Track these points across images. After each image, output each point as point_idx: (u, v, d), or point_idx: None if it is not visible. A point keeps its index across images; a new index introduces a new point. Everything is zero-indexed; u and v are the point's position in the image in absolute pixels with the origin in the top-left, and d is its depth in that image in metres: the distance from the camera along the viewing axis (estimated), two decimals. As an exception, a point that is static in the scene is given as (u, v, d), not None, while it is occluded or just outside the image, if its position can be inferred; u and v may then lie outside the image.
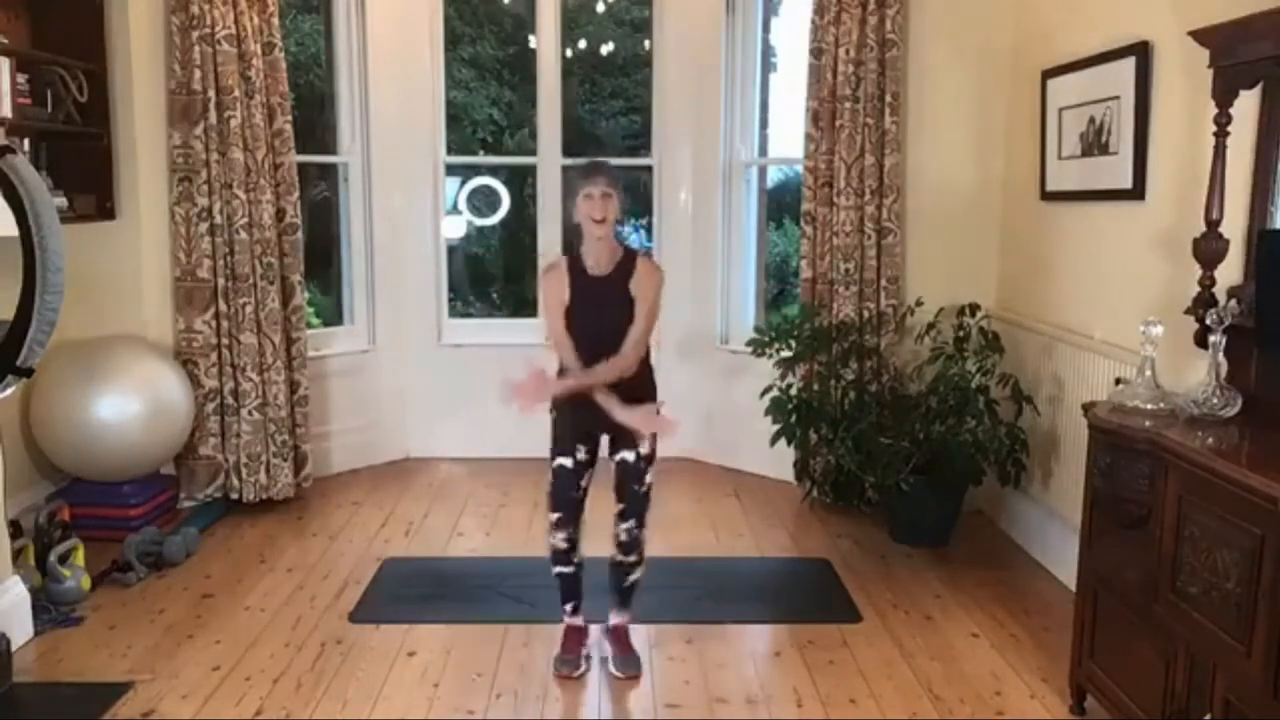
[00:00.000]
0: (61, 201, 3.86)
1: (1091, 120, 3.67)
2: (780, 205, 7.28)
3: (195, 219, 4.39)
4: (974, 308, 4.27)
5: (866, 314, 4.57)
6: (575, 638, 3.24)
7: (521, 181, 7.91)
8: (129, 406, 4.07)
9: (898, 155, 4.49)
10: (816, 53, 4.54)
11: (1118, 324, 3.45)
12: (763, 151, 5.48)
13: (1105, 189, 3.59)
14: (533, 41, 5.63)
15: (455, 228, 7.37)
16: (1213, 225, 2.72)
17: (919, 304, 4.50)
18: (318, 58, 6.08)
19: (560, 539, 3.11)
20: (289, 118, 4.54)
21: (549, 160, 5.50)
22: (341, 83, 5.19)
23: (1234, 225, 2.75)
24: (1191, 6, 2.91)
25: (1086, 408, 2.83)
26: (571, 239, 3.11)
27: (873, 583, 3.86)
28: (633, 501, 3.11)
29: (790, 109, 4.98)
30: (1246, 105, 2.70)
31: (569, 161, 5.45)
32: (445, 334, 5.55)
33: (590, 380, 2.96)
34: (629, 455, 3.09)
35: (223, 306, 4.46)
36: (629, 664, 3.16)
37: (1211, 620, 2.28)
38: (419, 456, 5.50)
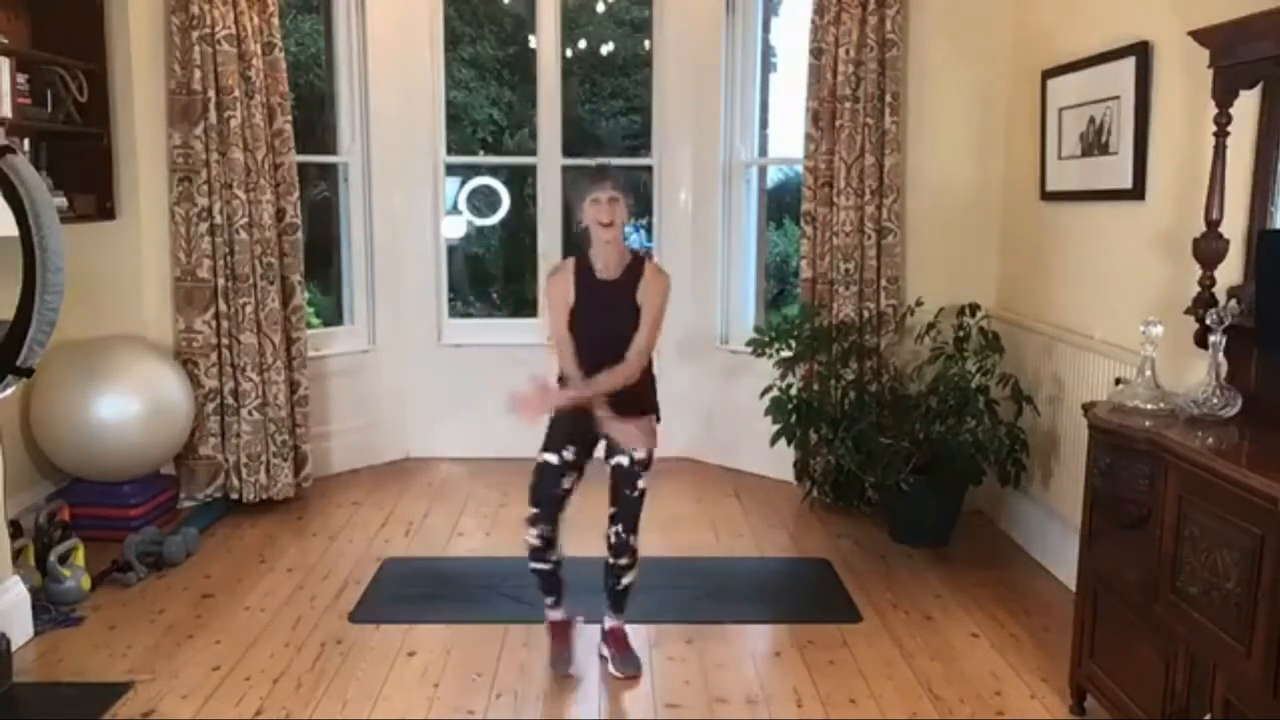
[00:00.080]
0: (61, 201, 3.86)
1: (1091, 120, 3.67)
2: (780, 205, 7.28)
3: (195, 219, 4.39)
4: (974, 308, 4.27)
5: (866, 314, 4.57)
6: (561, 633, 3.24)
7: (521, 181, 7.91)
8: (129, 406, 4.07)
9: (898, 155, 4.49)
10: (816, 53, 4.54)
11: (1118, 324, 3.45)
12: (763, 151, 5.48)
13: (1105, 189, 3.59)
14: (533, 41, 5.63)
15: (455, 228, 7.37)
16: (1213, 225, 2.72)
17: (919, 304, 4.50)
18: (318, 58, 6.08)
19: (534, 535, 3.10)
20: (289, 118, 4.54)
21: (549, 160, 5.50)
22: (341, 83, 5.19)
23: (1234, 225, 2.75)
24: (1191, 6, 2.91)
25: (1086, 408, 2.83)
26: (579, 242, 3.11)
27: (873, 583, 3.86)
28: (625, 505, 3.11)
29: (790, 109, 4.98)
30: (1246, 105, 2.70)
31: (569, 161, 5.46)
32: (445, 334, 5.55)
33: (593, 391, 2.96)
34: (624, 459, 3.09)
35: (223, 306, 4.46)
36: (628, 664, 3.16)
37: (1211, 620, 2.28)
38: (419, 456, 5.50)
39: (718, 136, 5.27)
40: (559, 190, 5.52)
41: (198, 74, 4.29)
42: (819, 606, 3.68)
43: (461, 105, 8.60)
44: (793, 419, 4.40)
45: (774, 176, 6.60)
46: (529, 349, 4.98)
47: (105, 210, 4.27)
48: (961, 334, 4.25)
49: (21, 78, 3.86)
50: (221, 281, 4.45)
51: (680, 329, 5.17)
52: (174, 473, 4.52)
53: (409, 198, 5.38)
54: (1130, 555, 2.62)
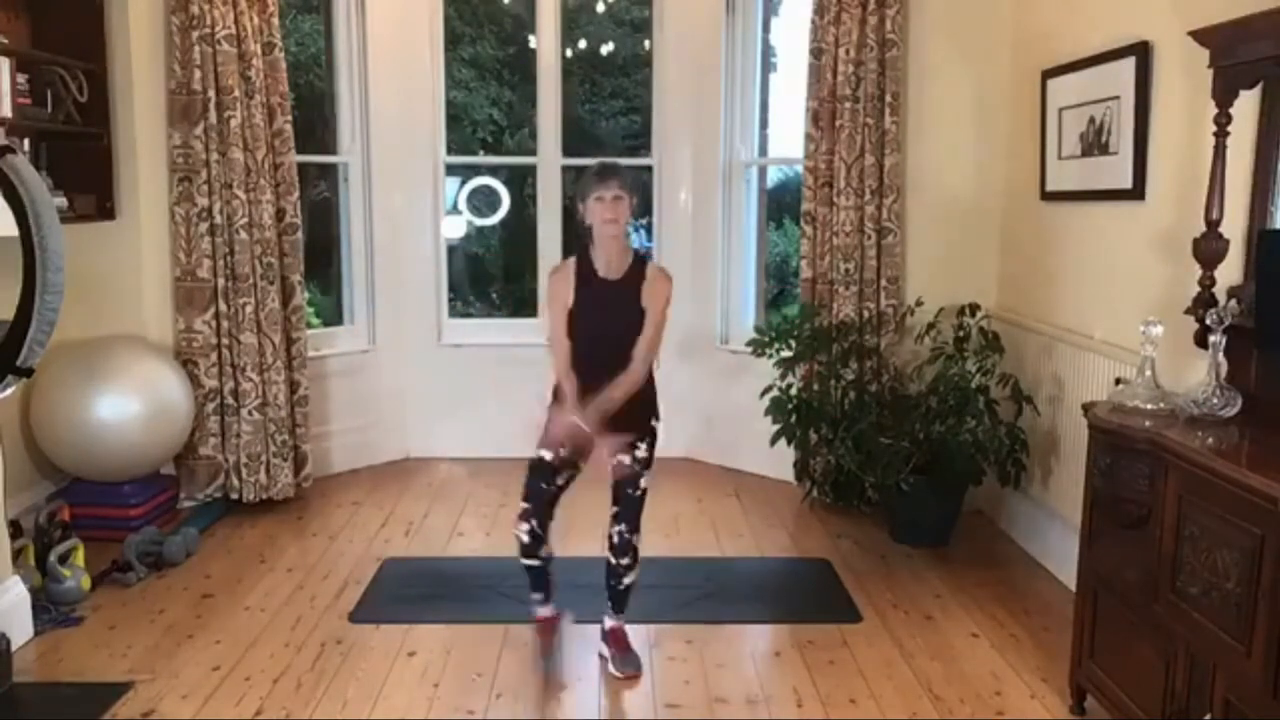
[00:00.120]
0: (61, 201, 3.85)
1: (1091, 120, 3.67)
2: (780, 205, 7.28)
3: (195, 219, 4.39)
4: (974, 308, 4.27)
5: (866, 314, 4.57)
6: (549, 630, 3.23)
7: (521, 181, 7.92)
8: (129, 406, 4.07)
9: (898, 155, 4.49)
10: (816, 53, 4.54)
11: (1118, 324, 3.45)
12: (763, 151, 5.48)
13: (1105, 189, 3.59)
14: (533, 41, 5.63)
15: (455, 228, 7.37)
16: (1213, 225, 2.72)
17: (919, 304, 4.50)
18: (318, 58, 6.08)
19: (524, 530, 3.10)
20: (289, 118, 4.54)
21: (549, 160, 5.50)
22: (341, 83, 5.19)
23: (1234, 225, 2.75)
24: (1191, 6, 2.91)
25: (1086, 408, 2.83)
26: (581, 240, 3.10)
27: (873, 583, 3.86)
28: (627, 505, 3.11)
29: (790, 109, 4.98)
30: (1246, 105, 2.70)
31: (569, 161, 5.46)
32: (445, 334, 5.55)
33: (609, 407, 2.94)
34: (625, 459, 3.09)
35: (223, 306, 4.46)
36: (628, 663, 3.16)
37: (1211, 620, 2.28)
38: (419, 456, 5.50)
39: (718, 136, 5.27)
40: (559, 190, 5.52)
41: (198, 74, 4.29)
42: (819, 606, 3.68)
43: (461, 105, 8.60)
44: (793, 419, 4.40)
45: (774, 176, 6.60)
46: (529, 349, 4.97)
47: (105, 210, 4.27)
48: (961, 334, 4.25)
49: (21, 78, 3.86)
50: (221, 281, 4.45)
51: (680, 329, 5.16)
52: (174, 473, 4.52)
53: (409, 198, 5.38)
54: (1130, 555, 2.62)
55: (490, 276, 9.25)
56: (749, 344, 4.62)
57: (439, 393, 5.44)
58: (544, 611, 3.25)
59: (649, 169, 5.53)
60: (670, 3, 5.32)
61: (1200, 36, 2.72)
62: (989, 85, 4.54)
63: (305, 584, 3.81)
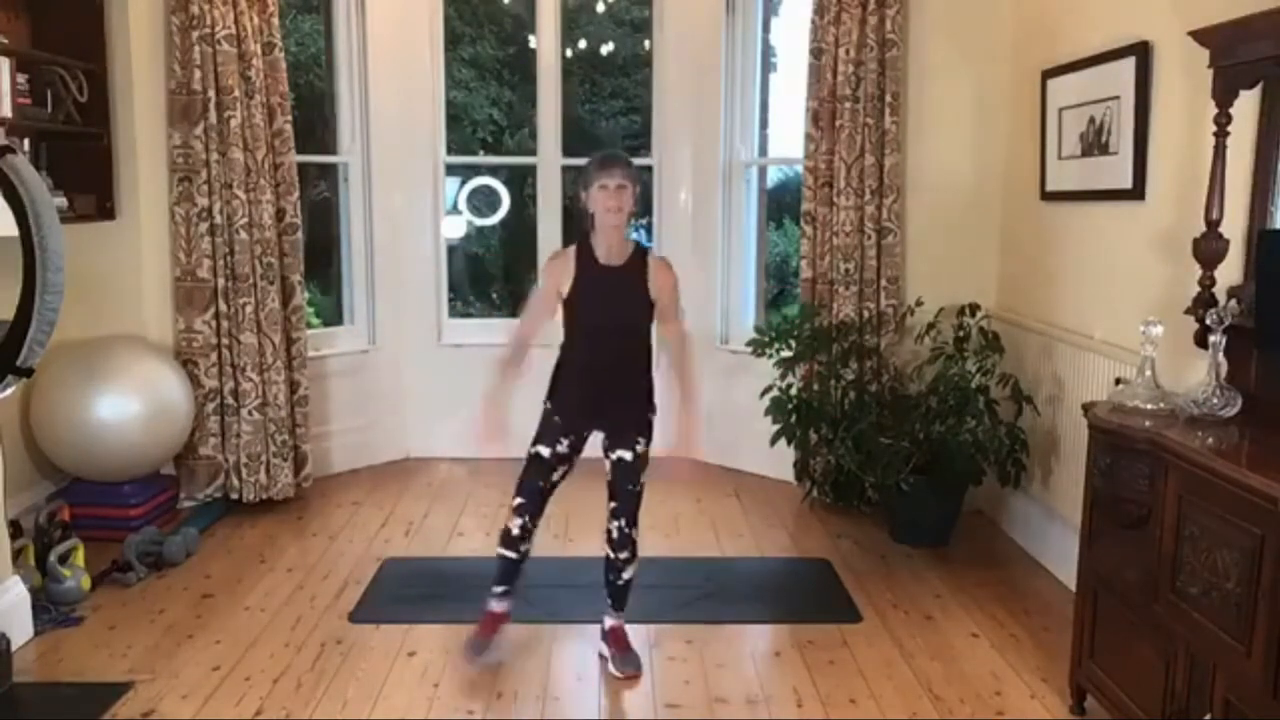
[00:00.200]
0: (61, 201, 3.85)
1: (1091, 120, 3.67)
2: (780, 205, 7.28)
3: (195, 219, 4.39)
4: (974, 308, 4.27)
5: (866, 314, 4.56)
6: (491, 623, 3.23)
7: (521, 181, 7.92)
8: (129, 406, 4.07)
9: (898, 155, 4.49)
10: (816, 53, 4.54)
11: (1118, 324, 3.45)
12: (763, 151, 5.48)
13: (1105, 189, 3.59)
14: (533, 41, 5.63)
15: (455, 228, 7.37)
16: (1213, 225, 2.72)
17: (919, 304, 4.50)
18: (318, 58, 6.08)
19: (518, 524, 3.12)
20: (289, 118, 4.54)
21: (549, 160, 5.50)
22: (341, 83, 5.19)
23: (1234, 225, 2.75)
24: (1191, 6, 2.91)
25: (1086, 408, 2.83)
26: (581, 228, 3.11)
27: (873, 583, 3.86)
28: (625, 500, 3.12)
29: (790, 109, 4.98)
30: (1246, 105, 2.70)
31: (569, 161, 5.45)
32: (445, 334, 5.55)
33: (696, 406, 3.11)
34: (625, 454, 3.10)
35: (223, 306, 4.46)
36: (628, 663, 3.16)
37: (1211, 620, 2.28)
38: (419, 456, 5.50)
39: (718, 136, 5.27)
40: (559, 190, 5.52)
41: (198, 74, 4.29)
42: (819, 606, 3.68)
43: (461, 105, 8.60)
44: (793, 419, 4.40)
45: (774, 176, 6.60)
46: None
47: (105, 210, 4.27)
48: (961, 334, 4.25)
49: (21, 78, 3.86)
50: (221, 281, 4.45)
51: (680, 329, 5.17)
52: (174, 473, 4.52)
53: (409, 198, 5.38)
54: (1130, 555, 2.62)
55: (490, 276, 9.25)
56: (749, 344, 4.62)
57: (439, 393, 5.43)
58: (499, 606, 3.24)
59: (649, 169, 5.53)
60: (670, 3, 5.32)
61: (1200, 36, 2.72)
62: (989, 85, 4.54)
63: (305, 584, 3.81)
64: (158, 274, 4.47)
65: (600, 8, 7.49)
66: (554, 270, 3.07)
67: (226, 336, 4.49)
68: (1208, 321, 2.62)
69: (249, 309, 4.46)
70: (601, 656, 3.24)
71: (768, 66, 5.42)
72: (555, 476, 3.13)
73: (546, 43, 5.42)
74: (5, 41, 3.79)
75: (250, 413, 4.51)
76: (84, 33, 4.16)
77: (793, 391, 4.46)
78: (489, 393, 3.10)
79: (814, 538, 4.36)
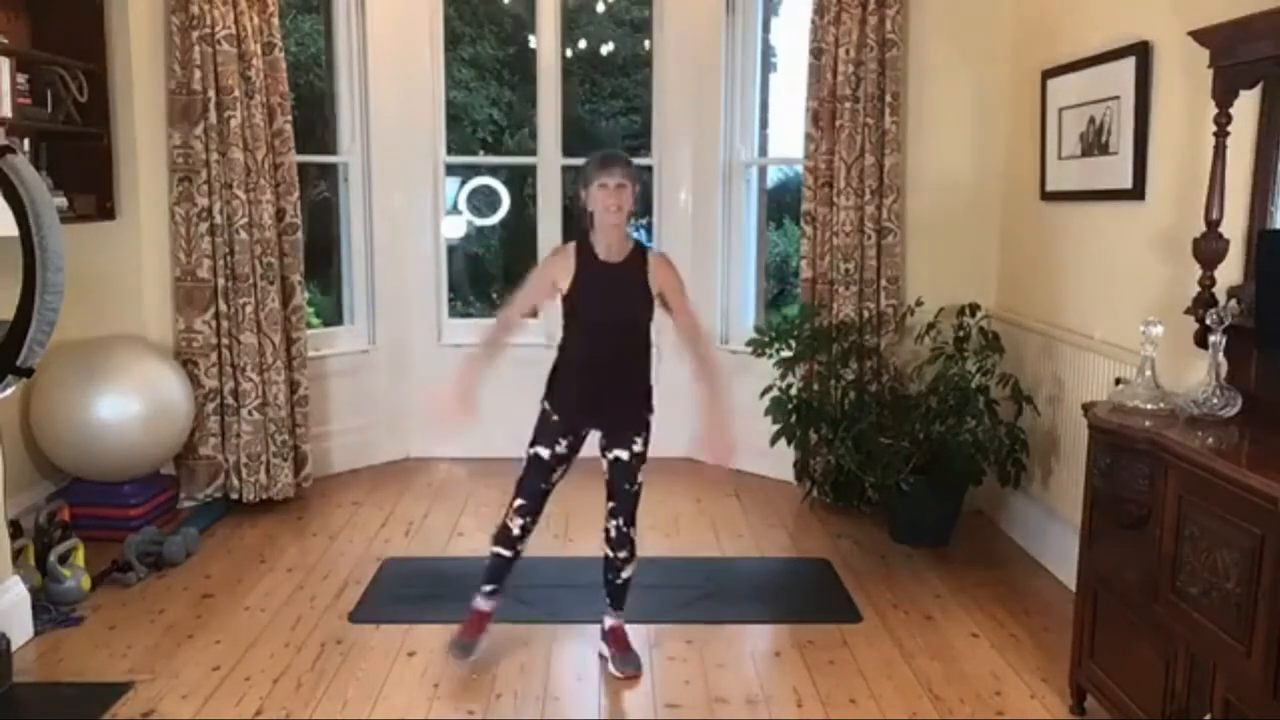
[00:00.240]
0: (61, 201, 3.85)
1: (1091, 120, 3.67)
2: (780, 205, 7.29)
3: (195, 219, 4.39)
4: (974, 308, 4.27)
5: (866, 314, 4.56)
6: (478, 622, 3.23)
7: (521, 181, 7.92)
8: (129, 406, 4.07)
9: (898, 155, 4.49)
10: (816, 53, 4.54)
11: (1118, 324, 3.45)
12: (763, 151, 5.48)
13: (1105, 189, 3.59)
14: (533, 41, 5.63)
15: (455, 228, 7.37)
16: (1213, 225, 2.72)
17: (919, 304, 4.50)
18: (318, 58, 6.08)
19: (518, 524, 3.13)
20: (289, 118, 4.54)
21: (549, 160, 5.50)
22: (341, 83, 5.19)
23: (1234, 225, 2.75)
24: (1191, 6, 2.91)
25: (1086, 408, 2.83)
26: (580, 227, 3.11)
27: (873, 583, 3.86)
28: (623, 500, 3.12)
29: (790, 109, 4.98)
30: (1246, 105, 2.70)
31: (569, 161, 5.45)
32: (445, 334, 5.55)
33: (723, 401, 3.15)
34: (622, 454, 3.10)
35: (223, 306, 4.46)
36: (628, 663, 3.16)
37: (1211, 620, 2.28)
38: (419, 456, 5.50)
39: (718, 136, 5.27)
40: (559, 190, 5.52)
41: (198, 74, 4.28)
42: (819, 606, 3.68)
43: (461, 105, 8.60)
44: (793, 419, 4.40)
45: (774, 176, 6.60)
46: (529, 349, 4.95)
47: (105, 210, 4.27)
48: (961, 334, 4.25)
49: (21, 78, 3.86)
50: (221, 281, 4.45)
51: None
52: (174, 473, 4.52)
53: (409, 198, 5.38)
54: (1130, 555, 2.62)
55: (490, 276, 9.25)
56: (749, 344, 4.62)
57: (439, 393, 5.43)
58: (487, 605, 3.25)
59: (649, 169, 5.53)
60: (670, 3, 5.32)
61: (1200, 36, 2.72)
62: (989, 85, 4.54)
63: (305, 584, 3.81)
64: (158, 274, 4.47)
65: (600, 8, 7.50)
66: (554, 264, 3.08)
67: (226, 336, 4.49)
68: (1208, 321, 2.62)
69: (249, 309, 4.46)
70: (601, 656, 3.24)
71: (768, 66, 5.42)
72: (554, 477, 3.13)
73: (546, 43, 5.42)
74: (5, 41, 3.79)
75: (250, 413, 4.51)
76: (84, 33, 4.16)
77: (793, 391, 4.46)
78: (464, 368, 3.12)
79: (814, 538, 4.36)
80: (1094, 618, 2.83)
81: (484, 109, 9.04)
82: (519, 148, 8.67)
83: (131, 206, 4.36)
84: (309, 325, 4.96)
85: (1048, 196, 4.09)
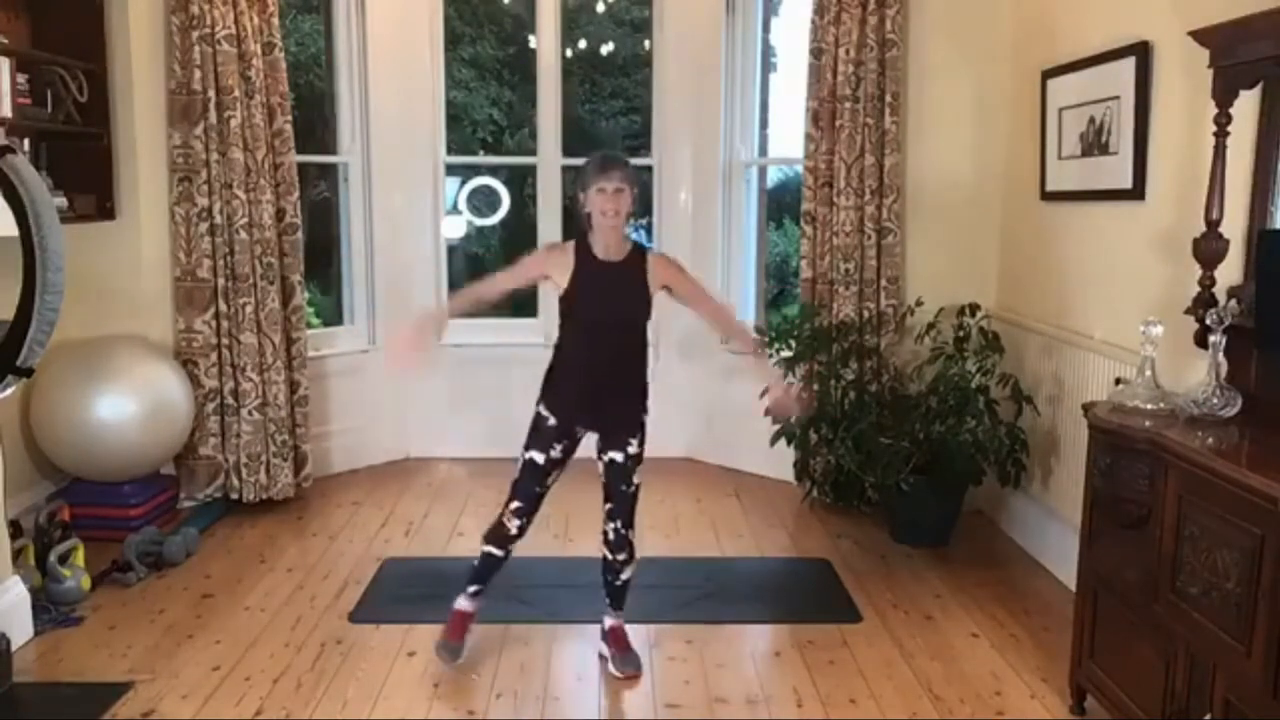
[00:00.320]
0: (61, 201, 3.85)
1: (1091, 120, 3.67)
2: (780, 205, 7.29)
3: (195, 219, 4.39)
4: (974, 308, 4.27)
5: (866, 314, 4.56)
6: (462, 623, 3.23)
7: (521, 181, 7.92)
8: (129, 406, 4.07)
9: (898, 155, 4.49)
10: (816, 53, 4.54)
11: (1118, 324, 3.45)
12: (763, 151, 5.48)
13: (1105, 189, 3.59)
14: (533, 41, 5.63)
15: (455, 228, 7.37)
16: (1213, 225, 2.72)
17: (919, 304, 4.50)
18: (318, 58, 6.08)
19: (515, 526, 3.13)
20: (289, 118, 4.54)
21: (549, 160, 5.50)
22: (341, 83, 5.19)
23: (1234, 225, 2.75)
24: (1191, 6, 2.91)
25: (1086, 408, 2.83)
26: (579, 227, 3.11)
27: (873, 583, 3.86)
28: (620, 501, 3.12)
29: (790, 109, 4.98)
30: (1246, 105, 2.70)
31: (569, 161, 5.45)
32: (445, 334, 5.54)
33: (774, 376, 3.28)
34: (617, 456, 3.10)
35: (223, 306, 4.46)
36: (628, 663, 3.16)
37: (1211, 620, 2.28)
38: (419, 456, 5.50)
39: (718, 136, 5.27)
40: (559, 190, 5.52)
41: (198, 74, 4.29)
42: (819, 606, 3.68)
43: (461, 105, 8.61)
44: (793, 419, 4.40)
45: (774, 176, 6.60)
46: (529, 349, 4.97)
47: (105, 210, 4.27)
48: (961, 334, 4.25)
49: (21, 78, 3.86)
50: (221, 281, 4.45)
51: (680, 329, 5.17)
52: (174, 473, 4.52)
53: (409, 198, 5.38)
54: (1130, 555, 2.62)
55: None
56: (749, 344, 4.62)
57: (439, 393, 5.44)
58: (469, 606, 3.25)
59: (649, 169, 5.53)
60: (670, 3, 5.32)
61: (1200, 36, 2.72)
62: (989, 85, 4.54)
63: (305, 584, 3.81)
64: (158, 274, 4.47)
65: (600, 8, 7.50)
66: (551, 257, 3.08)
67: (226, 336, 4.49)
68: (1208, 321, 2.62)
69: (249, 309, 4.46)
70: (601, 656, 3.24)
71: (768, 66, 5.42)
72: (549, 480, 3.13)
73: (546, 43, 5.42)
74: (5, 41, 3.79)
75: (250, 413, 4.51)
76: (84, 33, 4.16)
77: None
78: (427, 311, 3.13)
79: (814, 538, 4.36)
80: (1094, 618, 2.83)
81: (484, 109, 9.04)
82: (519, 148, 8.68)
83: (131, 206, 4.36)
84: (309, 325, 4.96)
85: (1048, 196, 4.09)
